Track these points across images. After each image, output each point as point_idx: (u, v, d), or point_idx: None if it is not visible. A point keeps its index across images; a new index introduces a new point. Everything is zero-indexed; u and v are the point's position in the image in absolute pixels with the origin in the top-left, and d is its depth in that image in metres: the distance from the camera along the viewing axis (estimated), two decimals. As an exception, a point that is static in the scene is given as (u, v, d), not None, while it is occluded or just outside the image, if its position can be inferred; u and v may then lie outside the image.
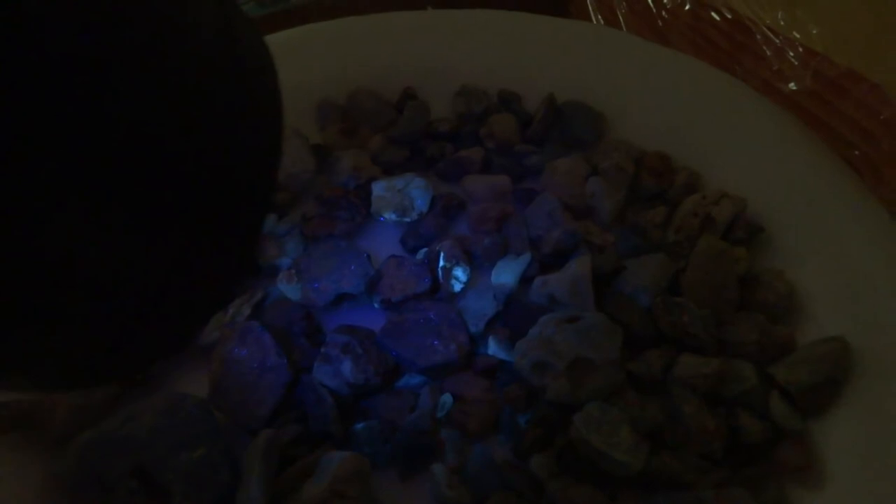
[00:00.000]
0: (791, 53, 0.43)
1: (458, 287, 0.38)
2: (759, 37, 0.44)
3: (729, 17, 0.46)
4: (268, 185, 0.19)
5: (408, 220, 0.42)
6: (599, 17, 0.54)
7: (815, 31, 0.41)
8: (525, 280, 0.38)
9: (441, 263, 0.38)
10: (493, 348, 0.36)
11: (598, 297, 0.37)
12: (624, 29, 0.54)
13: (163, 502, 0.31)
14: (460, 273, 0.38)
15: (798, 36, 0.43)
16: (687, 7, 0.50)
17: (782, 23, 0.44)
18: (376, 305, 0.38)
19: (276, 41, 0.48)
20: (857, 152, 0.40)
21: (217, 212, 0.17)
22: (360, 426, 0.33)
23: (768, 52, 0.44)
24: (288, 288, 0.38)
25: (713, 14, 0.47)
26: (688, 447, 0.33)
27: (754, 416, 0.34)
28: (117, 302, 0.16)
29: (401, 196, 0.41)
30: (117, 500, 0.31)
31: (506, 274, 0.38)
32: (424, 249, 0.40)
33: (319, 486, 0.30)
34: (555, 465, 0.32)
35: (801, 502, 0.32)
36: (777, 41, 0.44)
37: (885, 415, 0.32)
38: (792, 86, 0.43)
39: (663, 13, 0.52)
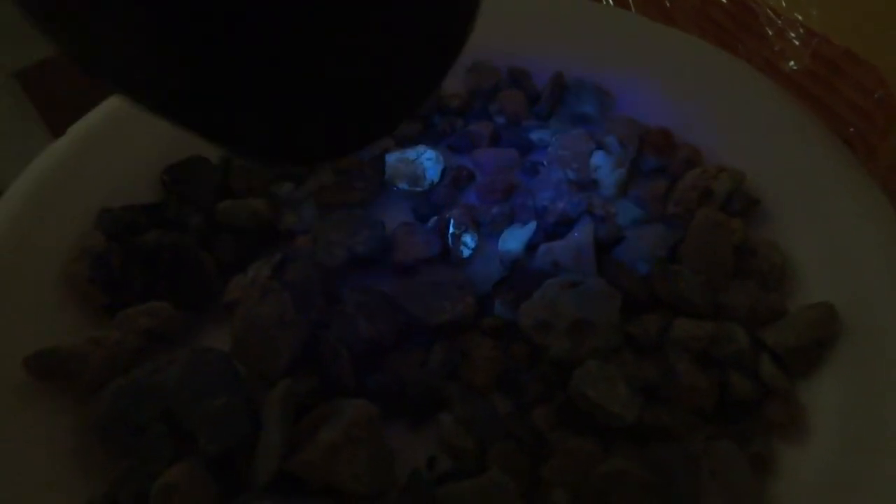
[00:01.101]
0: (792, 34, 0.44)
1: (466, 253, 0.40)
2: (761, 17, 0.46)
3: (733, -3, 0.48)
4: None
5: (419, 189, 0.44)
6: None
7: (814, 13, 0.42)
8: (530, 247, 0.40)
9: (451, 230, 0.40)
10: (499, 309, 0.38)
11: (599, 264, 0.39)
12: (633, 9, 0.55)
13: (189, 444, 0.33)
14: (469, 239, 0.40)
15: (799, 17, 0.44)
16: (693, -11, 0.52)
17: (784, 4, 0.45)
18: (389, 269, 0.40)
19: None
20: (852, 129, 0.41)
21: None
22: (372, 380, 0.35)
23: (770, 33, 0.46)
24: (305, 251, 0.40)
25: (718, -5, 0.49)
26: (680, 403, 0.35)
27: (744, 375, 0.36)
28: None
29: (413, 167, 0.43)
30: (146, 443, 0.33)
31: (512, 241, 0.40)
32: (435, 217, 0.42)
33: (334, 430, 0.32)
34: (555, 417, 0.35)
35: (786, 456, 0.34)
36: (779, 22, 0.45)
37: (867, 376, 0.34)
38: (792, 65, 0.44)
39: (671, -6, 0.53)
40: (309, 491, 0.32)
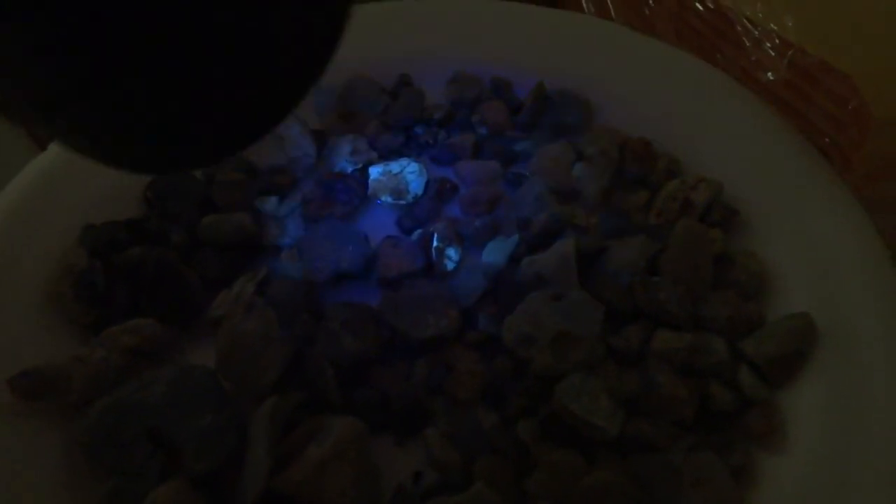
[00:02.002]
0: (768, 44, 0.45)
1: (450, 266, 0.41)
2: (738, 27, 0.46)
3: (711, 6, 0.48)
4: None
5: (403, 202, 0.44)
6: (591, 5, 0.56)
7: (790, 23, 0.43)
8: (514, 259, 0.41)
9: (434, 244, 0.41)
10: (483, 323, 0.38)
11: (581, 276, 0.40)
12: (613, 17, 0.56)
13: (177, 461, 0.33)
14: (452, 253, 0.41)
15: (775, 27, 0.45)
16: (672, -3, 0.52)
17: (760, 14, 0.46)
18: (373, 283, 0.40)
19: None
20: (827, 139, 0.42)
21: None
22: (358, 394, 0.36)
23: (747, 43, 0.46)
24: (290, 266, 0.40)
25: (697, 4, 0.49)
26: (661, 414, 0.35)
27: (724, 386, 0.36)
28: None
29: (396, 180, 0.44)
30: (133, 461, 0.33)
31: (495, 254, 0.41)
32: (419, 231, 0.42)
33: (321, 447, 0.32)
34: (539, 430, 0.35)
35: (767, 465, 0.34)
36: (756, 32, 0.46)
37: (846, 384, 0.35)
38: (769, 76, 0.45)
39: (650, 2, 0.54)
40: (296, 508, 0.33)
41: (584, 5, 0.56)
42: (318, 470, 0.32)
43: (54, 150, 0.43)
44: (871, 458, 0.33)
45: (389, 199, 0.44)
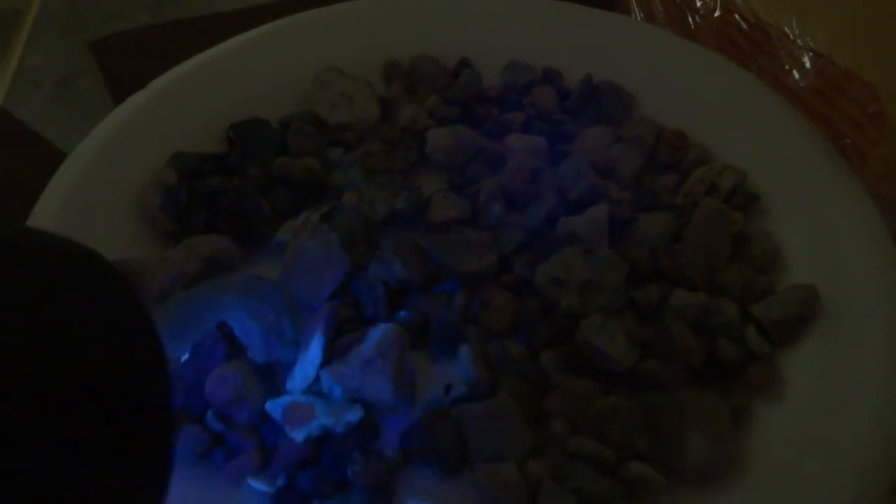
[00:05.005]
0: (801, 55, 0.49)
1: (493, 219, 0.45)
2: (774, 40, 0.51)
3: (752, 21, 0.53)
4: None
5: (455, 164, 0.49)
6: (640, 13, 0.60)
7: (821, 36, 0.47)
8: (551, 220, 0.45)
9: (481, 198, 0.45)
10: (519, 268, 0.43)
11: (611, 240, 0.44)
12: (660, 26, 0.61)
13: (239, 351, 0.38)
14: (496, 208, 0.45)
15: (810, 42, 0.49)
16: (717, 14, 0.57)
17: (797, 30, 0.50)
18: (423, 229, 0.45)
19: (353, 8, 0.56)
20: (848, 141, 0.46)
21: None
22: (403, 314, 0.40)
23: (782, 54, 0.51)
24: (351, 204, 0.45)
25: (738, 18, 0.54)
26: (672, 358, 0.39)
27: (731, 342, 0.40)
28: None
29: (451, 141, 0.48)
30: (204, 347, 0.38)
31: (534, 213, 0.45)
32: (468, 188, 0.47)
33: (366, 346, 0.37)
34: (560, 362, 0.39)
35: (763, 411, 0.38)
36: (790, 45, 0.50)
37: (841, 348, 0.39)
38: (800, 82, 0.49)
39: (696, 17, 0.59)
40: (339, 400, 0.37)
41: (634, 12, 0.61)
42: (361, 366, 0.36)
43: (152, 87, 0.49)
44: (856, 411, 0.36)
45: (444, 158, 0.48)
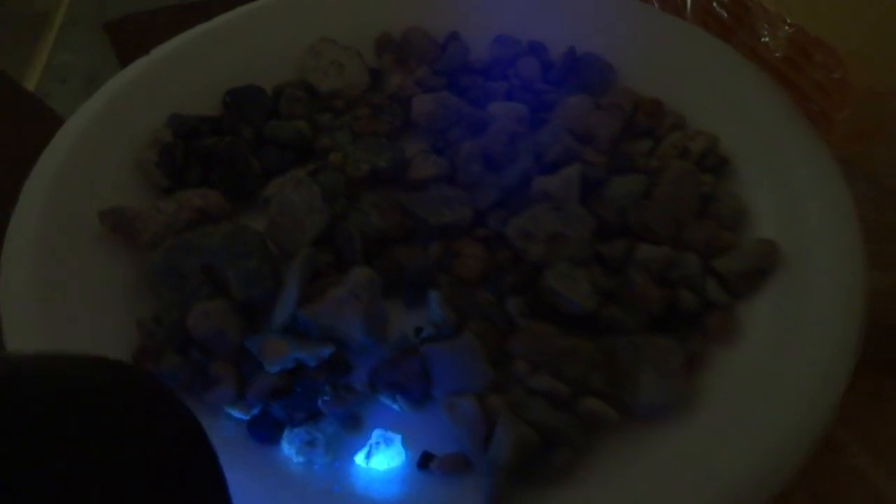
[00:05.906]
0: (776, 26, 0.51)
1: (472, 178, 0.47)
2: (753, 13, 0.52)
3: (732, -4, 0.54)
4: None
5: (438, 129, 0.51)
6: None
7: (795, 6, 0.49)
8: (526, 179, 0.47)
9: (460, 157, 0.47)
10: (492, 223, 0.45)
11: (583, 200, 0.46)
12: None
13: (223, 291, 0.41)
14: (475, 167, 0.47)
15: (784, 13, 0.51)
16: (702, -10, 0.59)
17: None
18: (404, 187, 0.47)
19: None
20: (815, 106, 0.47)
21: None
22: (377, 262, 0.42)
23: (759, 26, 0.52)
24: (336, 163, 0.47)
25: (720, -6, 0.55)
26: (633, 307, 0.41)
27: (693, 293, 0.42)
28: None
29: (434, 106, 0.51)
30: (189, 287, 0.41)
31: (509, 173, 0.47)
32: (449, 150, 0.49)
33: (340, 288, 0.39)
34: (525, 307, 0.41)
35: (719, 356, 0.40)
36: (767, 16, 0.52)
37: (795, 298, 0.40)
38: (775, 52, 0.51)
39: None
40: (314, 338, 0.39)
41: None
42: (335, 305, 0.39)
43: (154, 54, 0.52)
44: (806, 354, 0.38)
45: (426, 123, 0.51)
